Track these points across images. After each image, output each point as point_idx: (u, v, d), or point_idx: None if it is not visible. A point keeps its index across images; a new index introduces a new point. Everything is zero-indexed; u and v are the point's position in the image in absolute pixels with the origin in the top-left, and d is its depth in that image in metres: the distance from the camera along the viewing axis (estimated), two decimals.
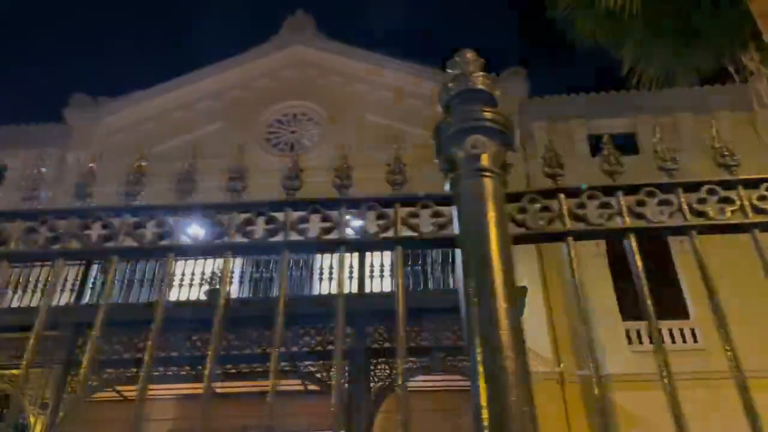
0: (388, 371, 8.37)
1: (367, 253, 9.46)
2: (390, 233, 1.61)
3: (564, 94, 15.56)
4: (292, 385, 9.97)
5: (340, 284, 1.63)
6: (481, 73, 1.82)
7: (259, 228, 1.64)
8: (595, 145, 14.35)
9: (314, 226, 1.63)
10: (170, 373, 8.65)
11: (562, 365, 11.31)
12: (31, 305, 9.23)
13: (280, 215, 1.65)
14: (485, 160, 1.61)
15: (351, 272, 9.35)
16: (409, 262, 10.41)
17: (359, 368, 8.36)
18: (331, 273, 9.56)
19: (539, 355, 11.01)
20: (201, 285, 9.46)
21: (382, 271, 9.42)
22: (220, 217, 1.68)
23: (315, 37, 17.14)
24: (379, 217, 1.63)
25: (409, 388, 6.96)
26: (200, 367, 8.79)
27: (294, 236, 1.62)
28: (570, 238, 1.56)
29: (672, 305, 12.11)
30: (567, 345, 11.55)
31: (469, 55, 1.89)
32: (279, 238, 1.62)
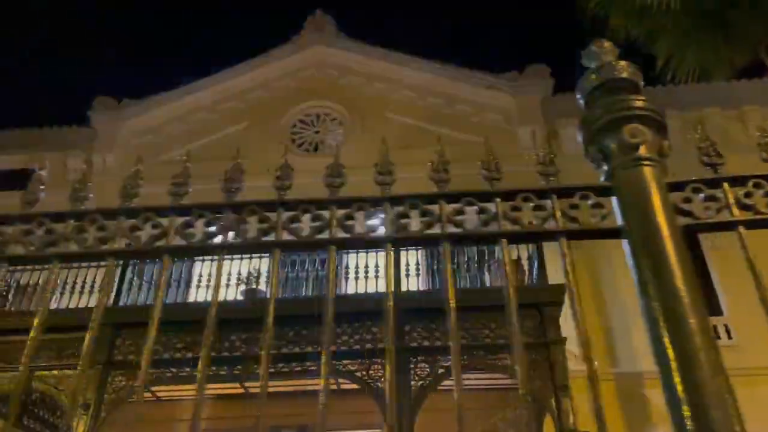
0: (428, 370, 8.35)
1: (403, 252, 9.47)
2: (551, 225, 1.59)
3: None
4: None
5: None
6: (623, 62, 1.79)
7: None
8: None
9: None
10: (210, 373, 8.67)
11: (595, 363, 11.23)
12: (70, 306, 9.29)
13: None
14: (644, 149, 1.59)
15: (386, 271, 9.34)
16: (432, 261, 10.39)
17: (399, 367, 8.35)
18: (366, 272, 9.55)
19: (571, 352, 10.95)
20: (237, 285, 9.49)
21: (418, 269, 9.42)
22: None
23: (336, 36, 17.12)
24: (537, 208, 1.62)
25: (446, 387, 6.91)
26: (238, 367, 8.82)
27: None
28: (741, 228, 1.53)
29: (704, 301, 12.01)
30: (599, 343, 11.48)
31: (606, 44, 1.87)
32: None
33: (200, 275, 9.79)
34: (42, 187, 1.88)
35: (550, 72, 15.44)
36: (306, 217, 1.65)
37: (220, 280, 1.65)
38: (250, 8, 41.37)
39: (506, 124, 15.00)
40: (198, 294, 9.52)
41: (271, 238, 1.63)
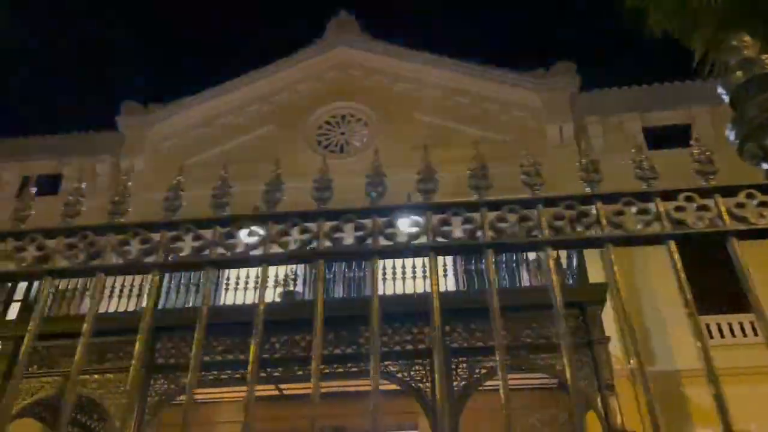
0: (469, 371, 8.31)
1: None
2: (718, 225, 1.54)
3: (616, 87, 15.33)
4: (363, 385, 9.96)
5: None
6: None
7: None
8: (650, 138, 14.05)
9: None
10: (258, 376, 8.66)
11: (632, 362, 11.13)
12: (109, 311, 9.33)
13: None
14: None
15: (424, 272, 9.32)
16: (472, 262, 10.34)
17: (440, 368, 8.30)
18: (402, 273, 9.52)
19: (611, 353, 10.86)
20: (275, 287, 9.49)
21: (453, 270, 9.38)
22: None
23: (359, 37, 17.09)
24: (701, 208, 1.57)
25: (486, 387, 6.82)
26: (279, 369, 8.81)
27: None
28: None
29: (744, 298, 11.89)
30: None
31: (746, 38, 1.82)
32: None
33: (237, 278, 9.83)
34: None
35: (576, 68, 15.35)
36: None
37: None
38: (274, 10, 41.53)
39: (534, 121, 14.90)
40: (236, 296, 9.53)
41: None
